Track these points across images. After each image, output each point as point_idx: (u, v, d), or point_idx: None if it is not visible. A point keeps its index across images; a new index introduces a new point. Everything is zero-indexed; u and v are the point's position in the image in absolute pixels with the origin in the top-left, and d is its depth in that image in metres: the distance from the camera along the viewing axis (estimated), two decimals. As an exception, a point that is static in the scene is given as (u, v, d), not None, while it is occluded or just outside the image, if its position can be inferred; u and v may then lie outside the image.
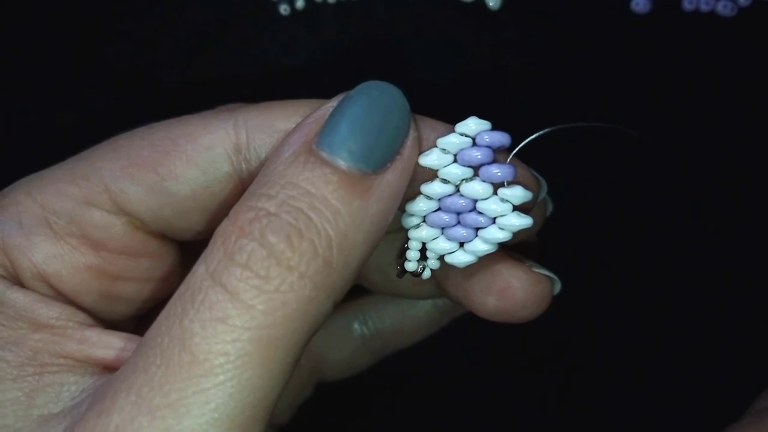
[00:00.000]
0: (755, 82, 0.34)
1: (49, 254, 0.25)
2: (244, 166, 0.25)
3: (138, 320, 0.28)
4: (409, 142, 0.23)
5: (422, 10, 0.35)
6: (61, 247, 0.25)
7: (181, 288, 0.22)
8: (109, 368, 0.24)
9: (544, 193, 0.27)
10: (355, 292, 0.31)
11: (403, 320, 0.32)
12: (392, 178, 0.23)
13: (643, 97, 0.35)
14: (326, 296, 0.22)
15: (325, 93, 0.35)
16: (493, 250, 0.25)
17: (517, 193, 0.24)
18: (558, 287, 0.26)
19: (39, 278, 0.25)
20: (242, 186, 0.25)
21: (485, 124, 0.24)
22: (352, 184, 0.22)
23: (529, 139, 0.25)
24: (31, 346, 0.23)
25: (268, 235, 0.21)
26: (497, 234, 0.24)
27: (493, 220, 0.24)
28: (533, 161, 0.26)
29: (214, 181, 0.25)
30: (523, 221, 0.24)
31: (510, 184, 0.24)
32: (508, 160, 0.25)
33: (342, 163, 0.22)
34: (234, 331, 0.20)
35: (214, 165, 0.25)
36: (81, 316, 0.24)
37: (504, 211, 0.24)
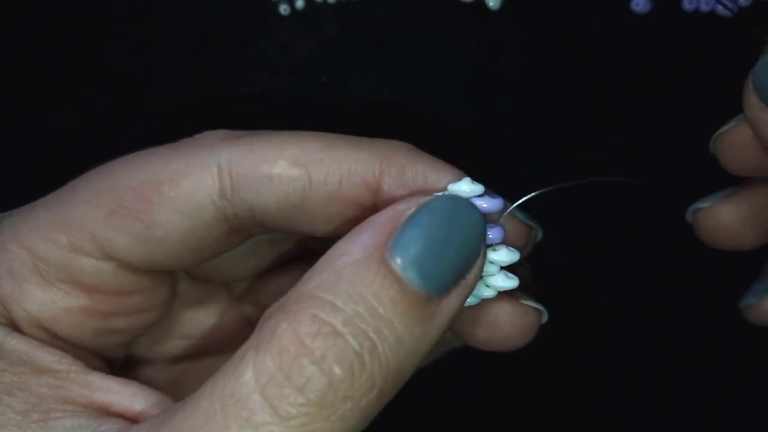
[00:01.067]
0: (755, 82, 0.34)
1: (42, 301, 0.25)
2: (230, 209, 0.25)
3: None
4: (477, 267, 0.23)
5: (422, 10, 0.35)
6: (53, 294, 0.25)
7: (222, 387, 0.20)
8: (110, 413, 0.24)
9: (539, 236, 0.27)
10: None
11: None
12: (454, 304, 0.22)
13: (643, 97, 0.35)
14: (369, 418, 0.21)
15: (325, 93, 0.35)
16: (476, 303, 0.25)
17: (502, 258, 0.25)
18: (545, 317, 0.27)
19: (35, 325, 0.25)
20: (228, 225, 0.25)
21: (478, 189, 0.24)
22: (418, 309, 0.21)
23: (519, 201, 0.25)
24: (35, 392, 0.23)
25: (332, 363, 0.20)
26: (483, 291, 0.25)
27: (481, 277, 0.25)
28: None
29: (201, 226, 0.25)
30: (509, 283, 0.25)
31: (499, 245, 0.25)
32: (500, 219, 0.25)
33: (413, 284, 0.21)
34: None
35: (198, 212, 0.24)
36: (81, 361, 0.24)
37: (491, 272, 0.25)
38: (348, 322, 0.20)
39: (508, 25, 0.35)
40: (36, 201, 0.26)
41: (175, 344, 0.29)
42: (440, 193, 0.24)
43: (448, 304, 0.22)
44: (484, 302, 0.26)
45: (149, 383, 0.29)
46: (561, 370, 0.36)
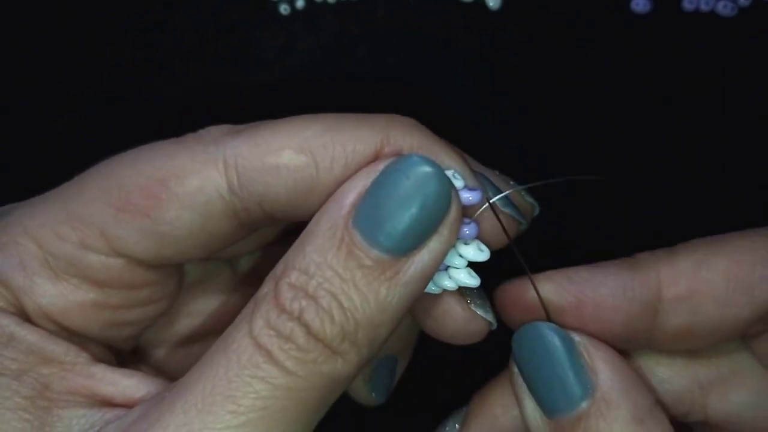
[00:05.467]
0: (755, 82, 0.34)
1: (52, 294, 0.25)
2: (238, 204, 0.25)
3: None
4: (450, 221, 0.24)
5: (422, 10, 0.35)
6: (63, 287, 0.25)
7: (226, 341, 0.23)
8: (113, 404, 0.24)
9: (536, 212, 0.28)
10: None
11: None
12: (426, 259, 0.24)
13: (644, 97, 0.35)
14: (353, 367, 0.24)
15: (325, 93, 0.35)
16: (437, 292, 0.26)
17: (470, 254, 0.25)
18: (494, 326, 0.27)
19: (45, 316, 0.25)
20: (237, 220, 0.25)
21: (458, 183, 0.25)
22: (380, 270, 0.23)
23: (500, 195, 0.26)
24: (42, 381, 0.24)
25: (307, 318, 0.23)
26: (444, 282, 0.26)
27: (447, 268, 0.26)
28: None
29: (209, 220, 0.25)
30: (471, 281, 0.26)
31: (471, 241, 0.25)
32: (476, 215, 0.25)
33: (374, 252, 0.23)
34: (276, 390, 0.23)
35: (207, 206, 0.25)
36: (87, 352, 0.25)
37: (457, 265, 0.25)
38: (318, 287, 0.23)
39: (508, 25, 0.35)
40: (47, 193, 0.26)
41: (183, 326, 0.30)
42: (404, 155, 0.24)
43: (414, 264, 0.23)
44: (437, 296, 0.26)
45: (159, 367, 0.29)
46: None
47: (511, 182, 0.27)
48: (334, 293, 0.23)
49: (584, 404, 0.25)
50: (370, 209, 0.23)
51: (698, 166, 0.35)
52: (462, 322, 0.27)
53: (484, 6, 0.35)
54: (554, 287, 0.26)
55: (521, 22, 0.35)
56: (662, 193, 0.35)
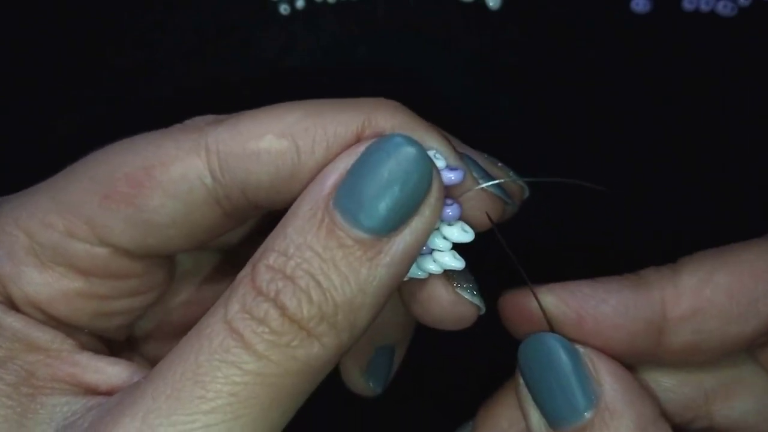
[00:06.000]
0: (755, 82, 0.34)
1: (38, 282, 0.25)
2: (220, 191, 0.25)
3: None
4: (432, 200, 0.24)
5: (422, 10, 0.35)
6: (49, 276, 0.25)
7: (200, 326, 0.23)
8: (97, 392, 0.24)
9: (526, 195, 0.28)
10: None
11: None
12: (408, 239, 0.23)
13: (644, 97, 0.35)
14: (331, 352, 0.23)
15: (325, 93, 0.35)
16: (423, 277, 0.26)
17: (454, 235, 0.25)
18: (482, 310, 0.27)
19: (31, 305, 0.25)
20: (221, 208, 0.25)
21: (440, 163, 0.25)
22: (361, 251, 0.23)
23: (488, 183, 0.26)
24: (26, 368, 0.24)
25: (283, 299, 0.22)
26: (429, 265, 0.25)
27: (431, 251, 0.25)
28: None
29: (193, 208, 0.25)
30: (455, 263, 0.25)
31: (455, 222, 0.25)
32: (460, 196, 0.25)
33: (354, 232, 0.23)
34: (246, 375, 0.22)
35: (190, 194, 0.25)
36: (73, 341, 0.25)
37: (441, 247, 0.25)
38: (296, 267, 0.23)
39: (508, 25, 0.35)
40: (37, 185, 0.26)
41: (176, 316, 0.30)
42: (385, 135, 0.24)
43: (395, 244, 0.23)
44: (423, 280, 0.26)
45: (153, 357, 0.29)
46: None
47: (500, 164, 0.27)
48: (313, 273, 0.23)
49: (588, 414, 0.25)
50: (351, 189, 0.23)
51: (698, 166, 0.35)
52: (449, 306, 0.26)
53: (484, 6, 0.35)
54: (555, 300, 0.26)
55: (521, 22, 0.35)
56: (662, 192, 0.35)
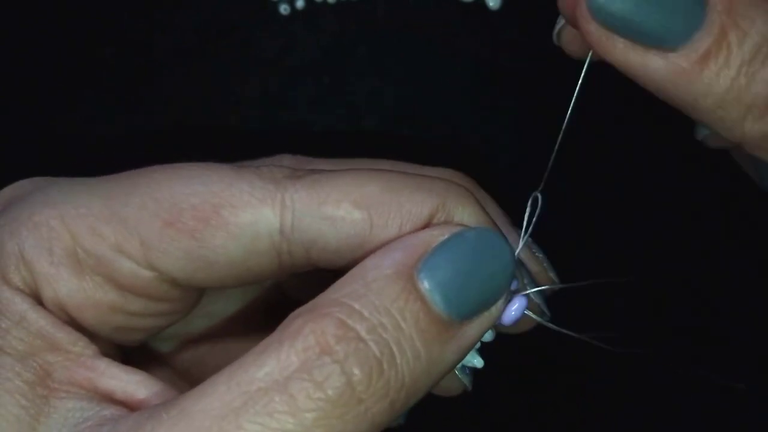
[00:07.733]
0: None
1: (72, 288, 0.25)
2: (285, 246, 0.24)
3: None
4: (502, 300, 0.24)
5: (422, 10, 0.35)
6: (86, 283, 0.25)
7: (241, 375, 0.21)
8: (112, 400, 0.24)
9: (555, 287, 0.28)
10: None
11: None
12: (475, 331, 0.23)
13: (643, 97, 0.35)
14: (378, 427, 0.22)
15: (324, 93, 0.35)
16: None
17: (486, 335, 0.25)
18: (469, 389, 0.27)
19: (58, 307, 0.25)
20: (279, 261, 0.25)
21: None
22: (438, 330, 0.22)
23: (532, 290, 0.26)
24: (45, 367, 0.24)
25: (353, 365, 0.21)
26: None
27: None
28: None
29: (253, 255, 0.25)
30: (477, 363, 0.26)
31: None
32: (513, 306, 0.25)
33: (436, 307, 0.22)
34: None
35: (254, 242, 0.24)
36: (95, 346, 0.25)
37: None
38: (372, 330, 0.22)
39: (508, 25, 0.35)
40: (87, 180, 0.26)
41: (195, 326, 0.30)
42: (474, 225, 0.24)
43: (468, 331, 0.23)
44: None
45: (164, 360, 0.29)
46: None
47: (545, 264, 0.28)
48: (389, 342, 0.22)
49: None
50: (437, 269, 0.23)
51: (698, 166, 0.35)
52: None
53: (484, 6, 0.35)
54: None
55: (521, 22, 0.35)
56: (662, 192, 0.35)
